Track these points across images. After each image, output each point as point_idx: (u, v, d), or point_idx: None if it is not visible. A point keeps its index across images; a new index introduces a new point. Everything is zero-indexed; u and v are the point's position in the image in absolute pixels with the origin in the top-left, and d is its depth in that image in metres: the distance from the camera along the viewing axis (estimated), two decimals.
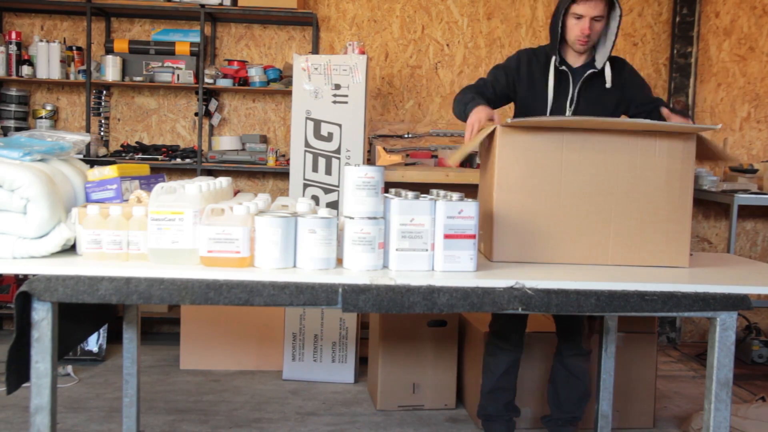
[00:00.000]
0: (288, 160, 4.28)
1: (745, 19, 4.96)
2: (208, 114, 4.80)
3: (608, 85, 2.77)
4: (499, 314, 2.88)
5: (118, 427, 3.10)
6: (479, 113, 2.50)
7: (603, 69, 2.77)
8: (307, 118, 3.89)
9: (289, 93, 4.25)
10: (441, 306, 1.84)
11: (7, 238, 1.87)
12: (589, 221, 2.23)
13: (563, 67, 2.77)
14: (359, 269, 1.92)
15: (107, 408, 3.41)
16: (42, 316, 1.79)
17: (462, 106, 2.67)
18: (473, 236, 1.98)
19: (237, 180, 4.90)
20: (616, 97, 2.80)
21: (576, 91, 2.77)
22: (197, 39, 4.68)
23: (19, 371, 1.82)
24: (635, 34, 4.96)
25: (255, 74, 4.61)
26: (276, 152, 4.64)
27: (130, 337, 2.64)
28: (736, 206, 4.40)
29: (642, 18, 4.96)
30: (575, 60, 2.79)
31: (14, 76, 4.58)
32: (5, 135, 4.55)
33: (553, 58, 2.76)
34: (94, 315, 2.35)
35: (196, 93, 4.72)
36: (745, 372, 4.29)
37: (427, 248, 1.98)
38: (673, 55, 4.88)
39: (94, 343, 4.10)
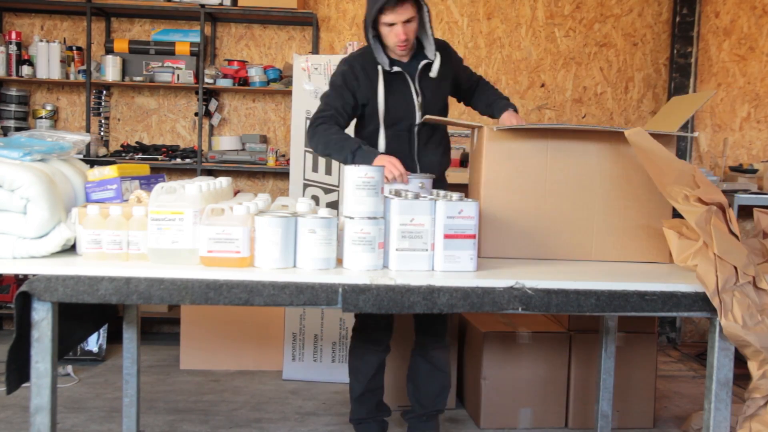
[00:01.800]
0: (288, 160, 4.28)
1: (745, 19, 4.96)
2: (208, 114, 4.80)
3: (433, 74, 2.77)
4: (364, 314, 2.83)
5: (118, 427, 3.10)
6: (395, 163, 2.50)
7: (434, 61, 2.78)
8: (307, 118, 3.88)
9: (289, 93, 4.25)
10: (441, 306, 1.85)
11: (7, 238, 1.87)
12: (573, 219, 2.28)
13: (396, 68, 2.75)
14: (359, 269, 1.92)
15: (107, 408, 3.41)
16: (42, 316, 1.79)
17: (338, 146, 2.63)
18: (473, 236, 1.99)
19: (237, 180, 4.90)
20: (449, 82, 2.87)
21: (417, 84, 2.78)
22: (197, 39, 4.68)
23: (19, 371, 1.82)
24: (635, 34, 4.96)
25: (255, 74, 4.61)
26: (276, 152, 4.64)
27: (130, 337, 2.64)
28: (736, 206, 4.40)
29: (642, 18, 4.96)
30: (405, 56, 2.79)
31: (14, 76, 4.58)
32: (5, 135, 4.55)
33: (380, 68, 2.73)
34: (94, 315, 2.35)
35: (196, 93, 4.72)
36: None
37: (427, 248, 1.98)
38: (673, 55, 4.88)
39: (94, 343, 4.10)
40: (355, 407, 2.95)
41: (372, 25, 2.68)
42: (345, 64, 2.81)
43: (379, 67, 2.74)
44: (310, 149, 3.89)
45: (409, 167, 2.70)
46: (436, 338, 2.90)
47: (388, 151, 2.73)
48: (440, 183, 2.86)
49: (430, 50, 2.78)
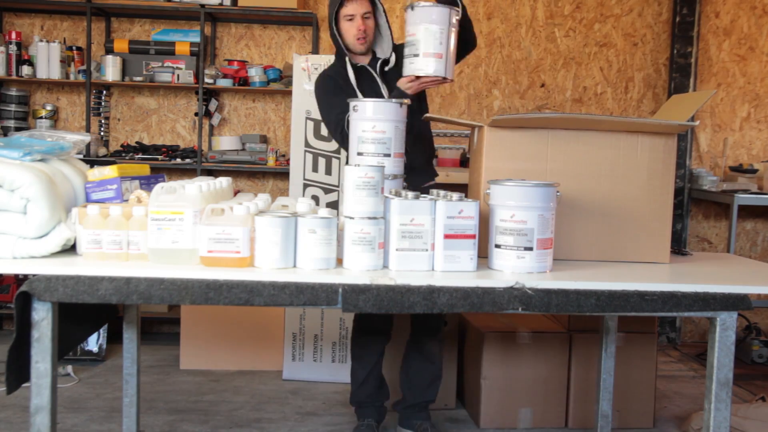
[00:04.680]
0: (288, 160, 4.28)
1: (745, 19, 4.96)
2: (208, 114, 4.80)
3: (391, 65, 2.91)
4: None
5: (118, 427, 3.10)
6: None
7: (390, 57, 2.93)
8: (307, 118, 3.88)
9: (289, 93, 4.25)
10: (441, 306, 1.85)
11: (7, 238, 1.87)
12: (573, 220, 2.27)
13: (361, 63, 2.92)
14: (359, 269, 1.92)
15: (107, 408, 3.41)
16: (42, 316, 1.79)
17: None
18: (473, 236, 1.99)
19: (237, 180, 4.89)
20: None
21: (381, 78, 2.91)
22: (197, 39, 4.68)
23: (19, 371, 1.82)
24: (635, 34, 4.96)
25: (255, 74, 4.61)
26: (276, 152, 4.64)
27: (130, 337, 2.64)
28: (736, 206, 4.40)
29: (642, 18, 4.96)
30: (363, 60, 2.95)
31: (14, 76, 4.58)
32: (5, 135, 4.55)
33: (347, 59, 2.88)
34: (94, 315, 2.35)
35: (196, 93, 4.72)
36: (745, 372, 4.28)
37: (427, 248, 1.98)
38: (673, 55, 4.88)
39: (94, 343, 4.10)
40: (355, 390, 3.10)
41: (334, 23, 2.85)
42: (322, 80, 2.96)
43: (349, 68, 2.88)
44: (308, 150, 3.89)
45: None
46: (430, 332, 3.03)
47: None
48: (428, 174, 3.05)
49: (386, 49, 2.94)
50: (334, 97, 2.86)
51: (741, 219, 4.98)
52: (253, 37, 4.89)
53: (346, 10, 2.81)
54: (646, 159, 2.29)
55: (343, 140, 2.84)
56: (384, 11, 2.91)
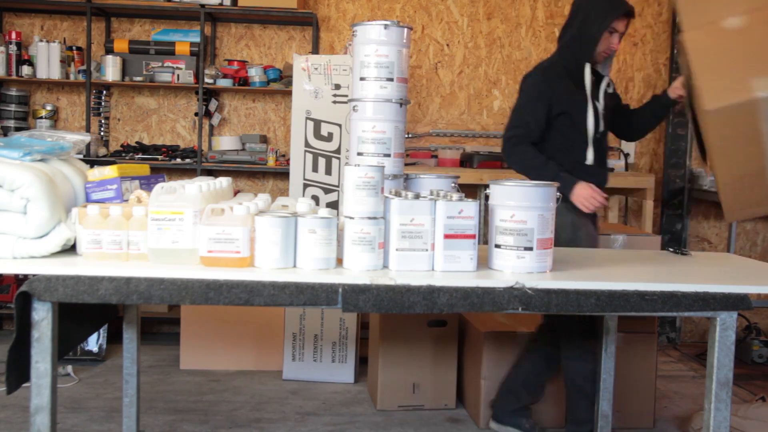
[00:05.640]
0: (288, 160, 4.28)
1: None
2: (208, 114, 4.80)
3: (611, 90, 2.99)
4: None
5: (118, 427, 3.10)
6: (596, 195, 2.74)
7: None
8: (307, 118, 3.89)
9: (289, 93, 4.25)
10: (441, 306, 1.85)
11: (7, 238, 1.87)
12: None
13: (592, 76, 2.91)
14: (359, 269, 1.92)
15: (107, 408, 3.41)
16: (42, 316, 1.79)
17: (536, 171, 2.75)
18: (473, 236, 1.99)
19: (237, 180, 4.90)
20: (614, 102, 3.03)
21: (601, 94, 2.92)
22: (197, 39, 4.68)
23: (19, 371, 1.82)
24: (635, 34, 4.96)
25: (255, 74, 4.61)
26: (276, 152, 4.64)
27: (130, 337, 2.64)
28: None
29: (642, 18, 4.95)
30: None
31: (14, 76, 4.58)
32: (5, 135, 4.55)
33: (587, 67, 2.85)
34: (94, 315, 2.35)
35: (196, 93, 4.72)
36: (745, 372, 4.28)
37: (427, 248, 1.98)
38: (673, 55, 4.88)
39: (94, 343, 4.10)
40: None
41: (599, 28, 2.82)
42: (538, 75, 2.93)
43: (587, 70, 2.84)
44: (308, 150, 3.89)
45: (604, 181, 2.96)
46: (565, 347, 2.98)
47: (596, 165, 2.88)
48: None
49: (607, 70, 2.95)
50: (535, 102, 2.88)
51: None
52: (253, 37, 4.89)
53: (617, 24, 2.81)
54: None
55: (507, 156, 2.87)
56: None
